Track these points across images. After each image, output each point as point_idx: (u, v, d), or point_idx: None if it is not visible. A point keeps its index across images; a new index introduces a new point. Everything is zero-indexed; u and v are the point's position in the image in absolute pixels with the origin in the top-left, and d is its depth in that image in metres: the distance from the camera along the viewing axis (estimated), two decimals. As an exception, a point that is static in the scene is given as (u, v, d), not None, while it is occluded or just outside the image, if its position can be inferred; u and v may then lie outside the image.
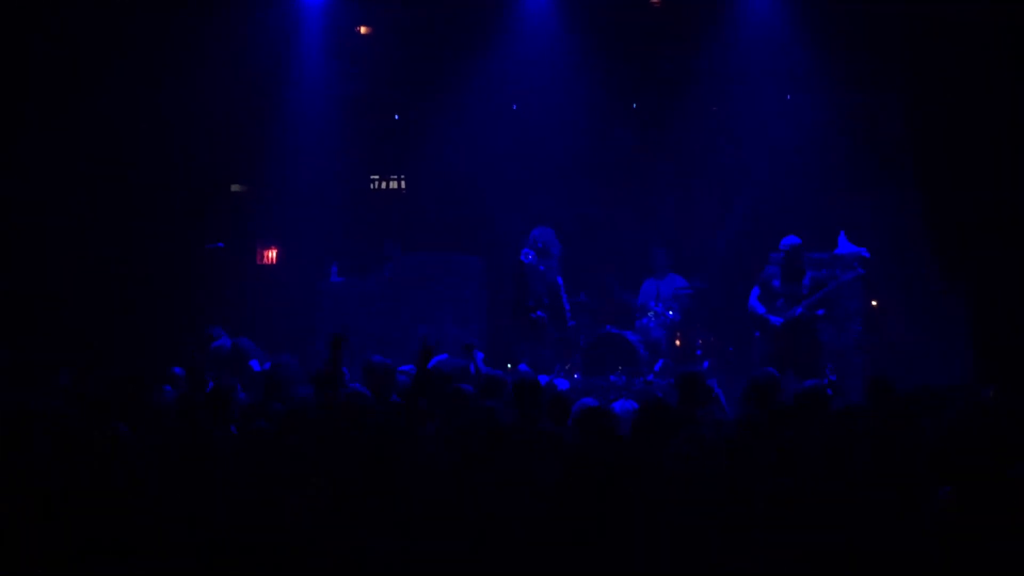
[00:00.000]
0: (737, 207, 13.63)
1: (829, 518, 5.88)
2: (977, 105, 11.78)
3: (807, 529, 5.83)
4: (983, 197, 11.87)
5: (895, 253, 12.63)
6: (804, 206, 12.87)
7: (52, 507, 5.86)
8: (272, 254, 14.98)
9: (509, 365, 11.91)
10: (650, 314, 13.20)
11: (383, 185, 15.51)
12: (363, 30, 14.34)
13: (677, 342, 13.02)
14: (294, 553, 5.84)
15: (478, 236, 14.00)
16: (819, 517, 5.89)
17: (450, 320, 13.10)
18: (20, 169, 12.74)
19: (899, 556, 5.61)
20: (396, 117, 14.91)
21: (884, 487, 6.08)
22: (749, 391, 7.96)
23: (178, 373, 9.32)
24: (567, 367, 12.50)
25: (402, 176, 15.41)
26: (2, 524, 5.77)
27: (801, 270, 11.42)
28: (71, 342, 11.75)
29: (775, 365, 9.43)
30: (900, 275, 12.69)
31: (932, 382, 8.35)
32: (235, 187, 15.11)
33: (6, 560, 5.62)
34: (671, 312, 13.14)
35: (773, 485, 6.08)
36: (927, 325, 12.48)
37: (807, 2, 12.86)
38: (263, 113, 13.93)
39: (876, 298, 12.64)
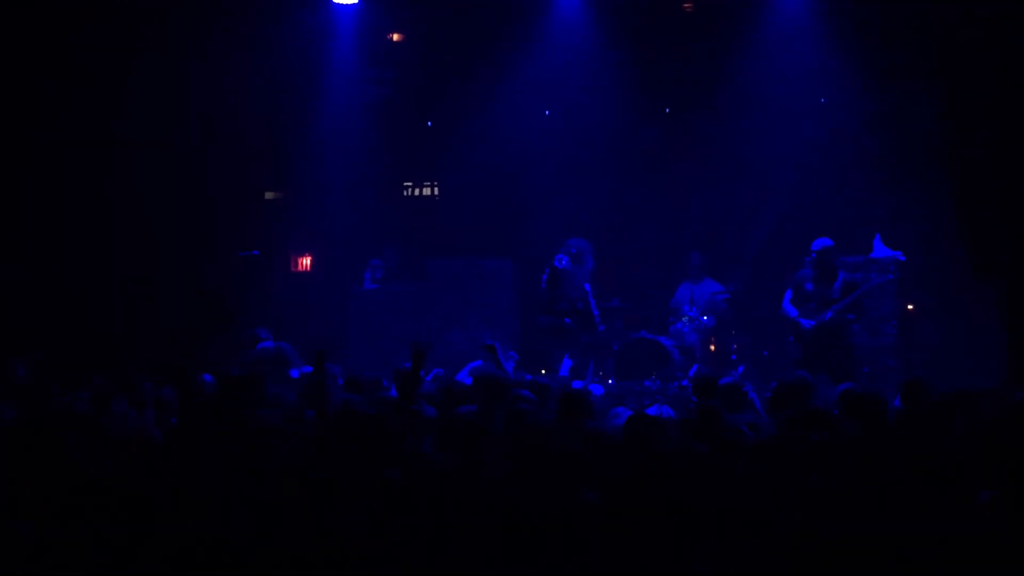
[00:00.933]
0: (769, 209, 13.53)
1: (865, 522, 5.82)
2: (1010, 102, 11.64)
3: (842, 531, 5.77)
4: (1016, 197, 11.73)
5: (927, 254, 12.53)
6: (836, 207, 12.81)
7: (80, 508, 5.90)
8: (306, 261, 15.03)
9: (544, 371, 11.89)
10: (684, 319, 13.09)
11: (416, 192, 15.53)
12: (395, 37, 14.38)
13: (712, 347, 12.93)
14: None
15: (510, 240, 13.98)
16: (855, 520, 5.83)
17: (482, 325, 13.05)
18: (52, 174, 12.84)
19: (938, 560, 5.53)
20: (429, 124, 14.92)
21: (920, 491, 6.01)
22: (778, 395, 7.89)
23: (208, 381, 9.33)
24: (600, 373, 12.45)
25: (435, 182, 15.43)
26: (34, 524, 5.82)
27: (834, 272, 11.31)
28: (102, 347, 11.82)
29: (807, 369, 9.33)
30: (933, 276, 12.58)
31: (965, 384, 8.26)
32: (269, 194, 15.18)
33: (30, 561, 5.67)
34: (706, 317, 13.03)
35: (808, 488, 6.02)
36: (960, 326, 12.36)
37: (837, 2, 12.78)
38: (296, 120, 14.01)
39: (909, 299, 12.53)
